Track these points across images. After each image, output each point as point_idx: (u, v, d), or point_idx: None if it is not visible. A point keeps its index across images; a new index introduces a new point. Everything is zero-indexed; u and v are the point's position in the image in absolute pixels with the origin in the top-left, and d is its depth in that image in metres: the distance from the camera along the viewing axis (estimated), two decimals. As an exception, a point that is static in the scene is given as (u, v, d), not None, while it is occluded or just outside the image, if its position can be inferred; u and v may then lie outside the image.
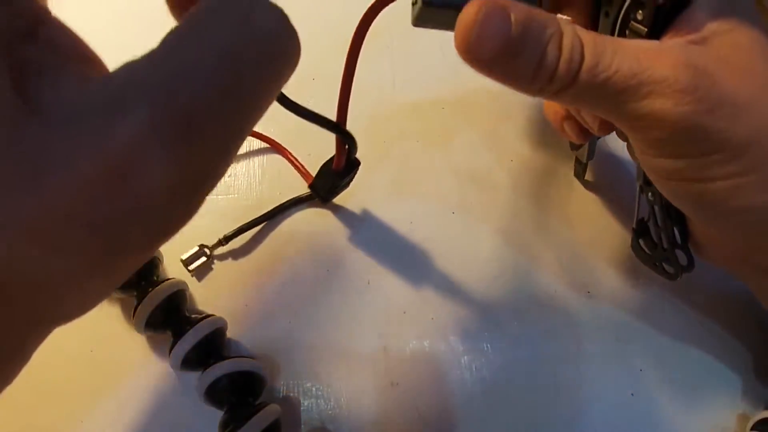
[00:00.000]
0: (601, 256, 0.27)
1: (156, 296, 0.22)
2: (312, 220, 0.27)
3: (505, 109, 0.30)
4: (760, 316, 0.27)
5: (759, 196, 0.19)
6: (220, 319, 0.23)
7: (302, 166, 0.27)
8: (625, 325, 0.26)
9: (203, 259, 0.25)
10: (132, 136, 0.10)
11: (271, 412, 0.21)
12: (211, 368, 0.21)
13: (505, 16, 0.17)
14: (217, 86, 0.11)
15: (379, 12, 0.19)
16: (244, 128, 0.12)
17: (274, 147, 0.28)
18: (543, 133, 0.30)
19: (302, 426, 0.23)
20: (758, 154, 0.18)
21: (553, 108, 0.25)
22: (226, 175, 0.28)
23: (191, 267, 0.25)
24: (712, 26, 0.18)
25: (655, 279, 0.27)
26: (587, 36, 0.18)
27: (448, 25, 0.18)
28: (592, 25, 0.21)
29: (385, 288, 0.26)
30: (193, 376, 0.22)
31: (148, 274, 0.24)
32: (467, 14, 0.17)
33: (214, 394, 0.21)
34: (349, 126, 0.22)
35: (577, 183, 0.29)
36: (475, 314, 0.26)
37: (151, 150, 0.10)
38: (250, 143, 0.29)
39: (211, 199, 0.27)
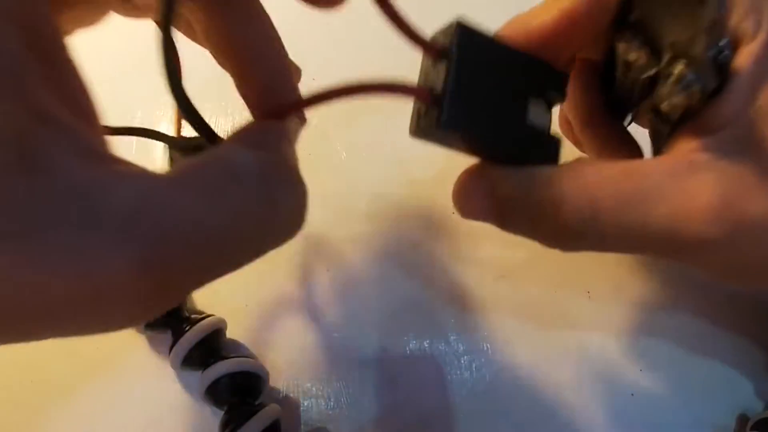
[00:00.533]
0: (602, 256, 0.27)
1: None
2: (312, 219, 0.27)
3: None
4: (760, 316, 0.27)
5: None
6: (221, 319, 0.23)
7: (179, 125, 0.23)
8: (625, 325, 0.26)
9: None
10: (112, 275, 0.09)
11: (271, 411, 0.21)
12: (211, 368, 0.21)
13: (485, 196, 0.17)
14: (215, 255, 0.11)
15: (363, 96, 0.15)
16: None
17: None
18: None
19: (302, 426, 0.23)
20: None
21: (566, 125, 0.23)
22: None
23: None
24: (749, 111, 0.16)
25: (656, 279, 0.27)
26: (604, 191, 0.16)
27: (454, 148, 0.17)
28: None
29: (385, 287, 0.26)
30: (194, 376, 0.22)
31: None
32: (454, 187, 0.17)
33: (214, 393, 0.21)
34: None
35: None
36: (475, 314, 0.26)
37: (122, 295, 0.10)
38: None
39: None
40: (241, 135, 0.14)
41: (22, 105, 0.09)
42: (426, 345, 0.25)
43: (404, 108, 0.17)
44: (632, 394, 0.25)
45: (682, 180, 0.16)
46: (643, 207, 0.15)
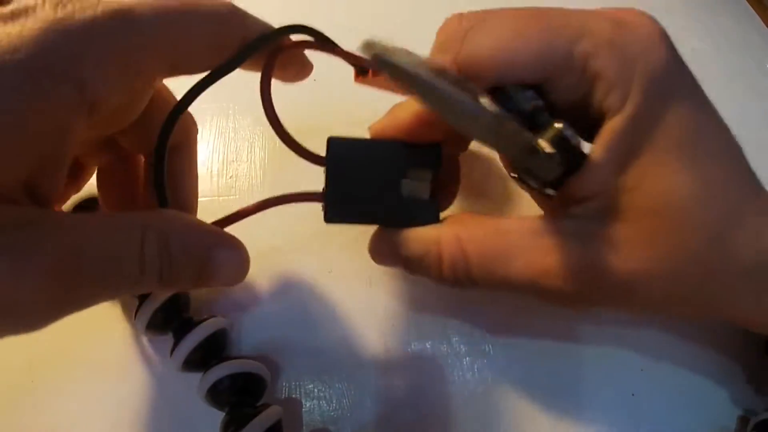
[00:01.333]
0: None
1: (157, 297, 0.22)
2: (312, 219, 0.27)
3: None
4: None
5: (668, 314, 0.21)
6: (222, 320, 0.23)
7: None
8: (625, 325, 0.26)
9: None
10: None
11: (272, 413, 0.21)
12: (212, 369, 0.21)
13: (388, 249, 0.20)
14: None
15: (272, 207, 0.21)
16: None
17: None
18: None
19: (304, 427, 0.23)
20: (650, 308, 0.20)
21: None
22: (228, 176, 0.28)
23: None
24: (619, 186, 0.17)
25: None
26: (475, 245, 0.19)
27: (362, 224, 0.21)
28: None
29: (386, 288, 0.26)
30: (195, 378, 0.22)
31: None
32: (369, 244, 0.21)
33: (215, 395, 0.21)
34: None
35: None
36: (476, 315, 0.26)
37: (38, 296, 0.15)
38: (252, 144, 0.29)
39: (212, 199, 0.27)
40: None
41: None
42: (428, 346, 0.25)
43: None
44: (632, 394, 0.25)
45: (543, 239, 0.18)
46: (505, 261, 0.18)
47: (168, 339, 0.23)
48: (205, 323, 0.22)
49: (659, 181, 0.17)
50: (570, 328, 0.26)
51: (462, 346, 0.25)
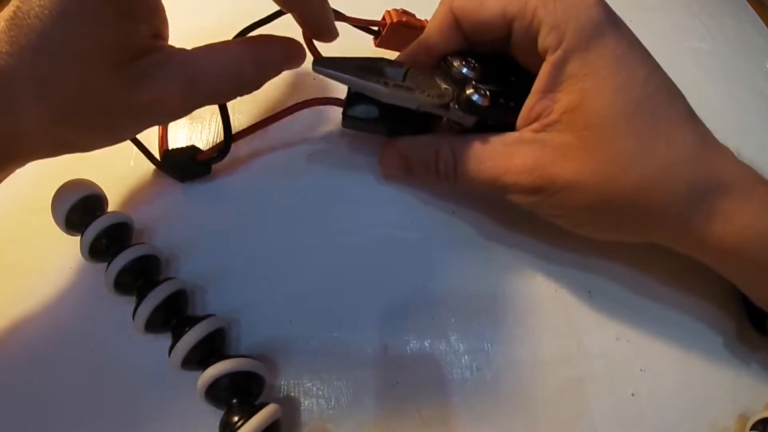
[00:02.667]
0: (602, 256, 0.27)
1: (156, 296, 0.22)
2: (312, 224, 0.27)
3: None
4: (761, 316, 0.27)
5: (616, 229, 0.24)
6: (221, 318, 0.23)
7: (164, 131, 0.28)
8: (625, 325, 0.26)
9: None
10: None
11: (271, 411, 0.21)
12: (211, 368, 0.21)
13: (396, 157, 0.27)
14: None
15: (301, 110, 0.26)
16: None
17: None
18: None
19: (303, 426, 0.23)
20: (599, 213, 0.23)
21: None
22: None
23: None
24: (563, 104, 0.22)
25: (655, 279, 0.27)
26: (460, 152, 0.25)
27: (370, 132, 0.27)
28: None
29: (385, 287, 0.26)
30: (194, 376, 0.22)
31: (148, 274, 0.24)
32: (379, 155, 0.28)
33: (214, 393, 0.21)
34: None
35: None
36: (476, 314, 0.26)
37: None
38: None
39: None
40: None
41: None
42: (427, 344, 0.25)
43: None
44: (632, 394, 0.25)
45: (509, 147, 0.24)
46: (480, 162, 0.24)
47: (167, 337, 0.23)
48: (203, 321, 0.22)
49: (594, 101, 0.22)
50: (570, 328, 0.26)
51: (461, 345, 0.25)
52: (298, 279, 0.26)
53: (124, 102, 0.20)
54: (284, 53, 0.24)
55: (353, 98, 0.25)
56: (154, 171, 0.28)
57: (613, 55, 0.22)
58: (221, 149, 0.26)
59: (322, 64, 0.23)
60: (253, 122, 0.26)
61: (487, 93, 0.24)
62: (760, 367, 0.26)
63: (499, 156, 0.24)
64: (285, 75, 0.26)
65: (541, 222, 0.28)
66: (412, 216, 0.28)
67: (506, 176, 0.23)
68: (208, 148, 0.27)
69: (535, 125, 0.23)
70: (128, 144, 0.28)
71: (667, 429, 0.24)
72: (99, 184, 0.25)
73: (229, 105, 0.26)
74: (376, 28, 0.29)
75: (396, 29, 0.28)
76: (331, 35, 0.25)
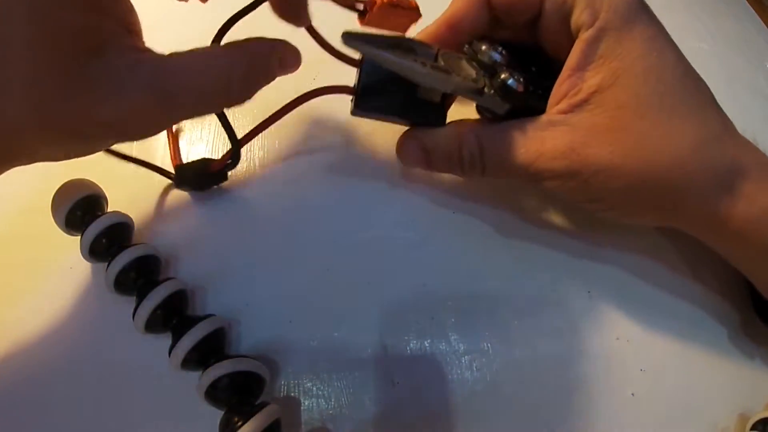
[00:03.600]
0: (602, 256, 0.27)
1: (156, 296, 0.22)
2: (313, 219, 0.27)
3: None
4: (761, 316, 0.27)
5: (645, 213, 0.24)
6: (221, 318, 0.23)
7: (176, 147, 0.28)
8: (625, 325, 0.26)
9: None
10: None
11: (271, 411, 0.21)
12: (211, 368, 0.21)
13: (417, 149, 0.25)
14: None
15: (308, 100, 0.24)
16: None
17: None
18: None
19: (303, 425, 0.23)
20: (633, 194, 0.23)
21: None
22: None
23: None
24: (592, 84, 0.22)
25: (656, 279, 0.27)
26: (487, 139, 0.24)
27: (382, 120, 0.25)
28: None
29: (385, 287, 0.26)
30: (194, 376, 0.22)
31: (148, 274, 0.24)
32: (396, 144, 0.25)
33: (214, 393, 0.21)
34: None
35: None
36: (475, 314, 0.26)
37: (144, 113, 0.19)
38: (251, 144, 0.29)
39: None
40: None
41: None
42: (426, 345, 0.25)
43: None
44: (632, 394, 0.25)
45: (539, 132, 0.23)
46: (510, 149, 0.23)
47: (167, 337, 0.23)
48: (203, 322, 0.22)
49: (627, 81, 0.22)
50: (570, 328, 0.26)
51: (461, 345, 0.25)
52: (298, 279, 0.26)
53: (84, 113, 0.17)
54: (277, 58, 0.22)
55: (365, 84, 0.24)
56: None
57: (645, 37, 0.22)
58: (233, 155, 0.26)
59: (354, 38, 0.21)
60: (258, 121, 0.25)
61: (521, 79, 0.23)
62: (760, 368, 0.26)
63: (529, 142, 0.23)
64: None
65: (541, 222, 0.28)
66: (412, 216, 0.28)
67: (538, 162, 0.23)
68: (220, 156, 0.26)
69: (563, 105, 0.23)
70: (128, 144, 0.28)
71: (667, 429, 0.24)
72: (99, 184, 0.25)
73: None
74: (361, 7, 0.26)
75: (384, 9, 0.26)
76: (302, 20, 0.23)
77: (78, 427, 0.22)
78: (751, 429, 0.23)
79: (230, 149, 0.25)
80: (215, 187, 0.27)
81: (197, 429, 0.23)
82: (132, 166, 0.28)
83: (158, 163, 0.27)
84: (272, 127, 0.29)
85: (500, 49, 0.24)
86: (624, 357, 0.25)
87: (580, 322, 0.26)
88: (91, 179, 0.25)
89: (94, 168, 0.25)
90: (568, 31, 0.23)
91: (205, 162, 0.26)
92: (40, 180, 0.25)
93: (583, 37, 0.22)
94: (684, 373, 0.25)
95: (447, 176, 0.29)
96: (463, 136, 0.24)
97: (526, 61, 0.25)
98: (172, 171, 0.27)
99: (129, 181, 0.27)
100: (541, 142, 0.23)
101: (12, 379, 0.23)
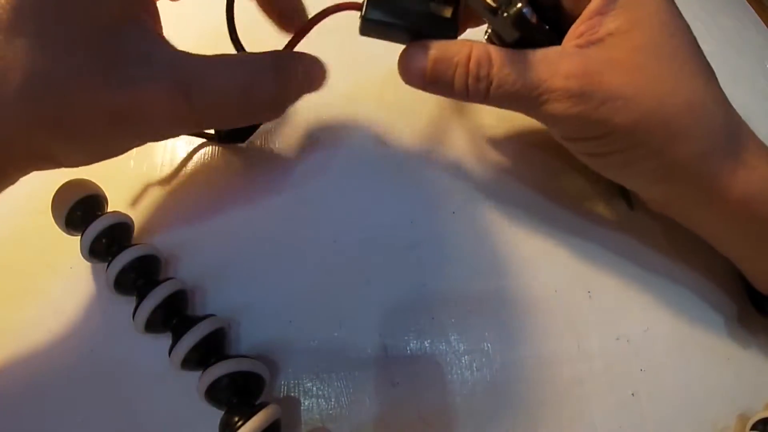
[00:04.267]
0: (602, 256, 0.27)
1: (156, 296, 0.22)
2: (313, 219, 0.27)
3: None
4: (761, 316, 0.27)
5: (646, 163, 0.23)
6: (221, 318, 0.23)
7: None
8: (625, 325, 0.26)
9: None
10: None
11: (271, 411, 0.21)
12: (211, 368, 0.21)
13: (423, 56, 0.23)
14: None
15: (321, 20, 0.24)
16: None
17: None
18: (543, 135, 0.30)
19: (303, 425, 0.23)
20: (641, 133, 0.22)
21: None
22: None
23: None
24: (610, 27, 0.22)
25: (656, 279, 0.27)
26: (497, 55, 0.23)
27: (390, 39, 0.23)
28: None
29: (385, 287, 0.26)
30: (194, 376, 0.22)
31: (148, 274, 0.24)
32: (400, 55, 0.23)
33: (214, 393, 0.21)
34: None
35: (578, 183, 0.29)
36: (475, 314, 0.26)
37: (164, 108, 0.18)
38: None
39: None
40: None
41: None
42: (426, 345, 0.25)
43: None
44: (632, 394, 0.25)
45: (555, 56, 0.22)
46: (522, 66, 0.22)
47: (167, 337, 0.23)
48: (203, 322, 0.22)
49: (644, 28, 0.22)
50: (570, 328, 0.26)
51: (461, 345, 0.25)
52: (298, 279, 0.26)
53: (99, 96, 0.16)
54: (303, 70, 0.22)
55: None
56: (154, 171, 0.28)
57: (665, 6, 0.23)
58: None
59: None
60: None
61: (535, 13, 0.23)
62: (760, 368, 0.26)
63: (543, 62, 0.22)
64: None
65: (541, 222, 0.28)
66: (412, 216, 0.28)
67: (551, 80, 0.22)
68: None
69: (580, 41, 0.23)
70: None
71: (667, 429, 0.24)
72: (99, 184, 0.25)
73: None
74: None
75: None
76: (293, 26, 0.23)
77: (78, 427, 0.22)
78: (751, 429, 0.23)
79: None
80: (249, 139, 0.28)
81: (197, 429, 0.23)
82: (132, 164, 0.28)
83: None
84: (272, 126, 0.29)
85: None
86: (624, 357, 0.25)
87: (580, 322, 0.26)
88: (91, 179, 0.25)
89: (94, 168, 0.25)
90: None
91: None
92: (40, 180, 0.25)
93: None
94: (684, 373, 0.25)
95: (447, 176, 0.29)
96: (475, 47, 0.23)
97: (543, 13, 0.24)
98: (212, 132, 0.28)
99: (129, 181, 0.27)
100: (555, 64, 0.22)
101: (12, 379, 0.23)
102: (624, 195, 0.28)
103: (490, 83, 0.23)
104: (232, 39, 0.24)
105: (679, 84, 0.22)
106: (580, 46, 0.23)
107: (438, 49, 0.23)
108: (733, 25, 0.39)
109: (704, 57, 0.24)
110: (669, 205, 0.25)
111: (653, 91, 0.22)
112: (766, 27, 0.39)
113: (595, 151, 0.24)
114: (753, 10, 0.40)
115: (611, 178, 0.25)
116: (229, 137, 0.28)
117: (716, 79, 0.24)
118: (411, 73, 0.23)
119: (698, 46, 0.24)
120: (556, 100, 0.22)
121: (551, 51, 0.23)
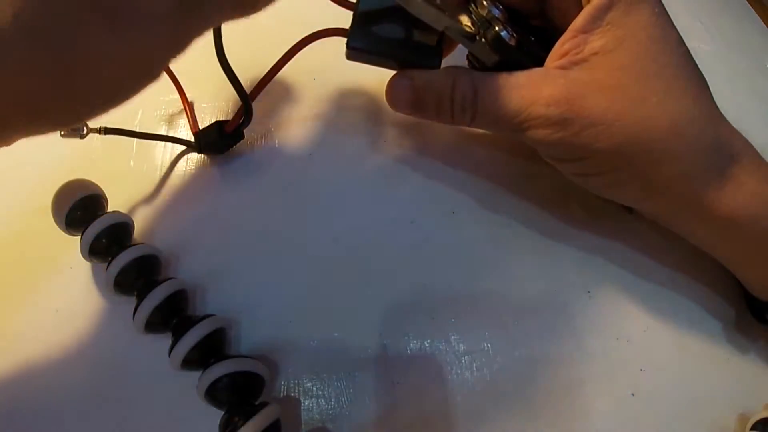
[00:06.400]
0: (602, 256, 0.27)
1: (156, 296, 0.22)
2: (313, 219, 0.27)
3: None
4: (753, 313, 0.27)
5: (630, 184, 0.23)
6: (221, 318, 0.23)
7: (193, 116, 0.28)
8: (625, 325, 0.26)
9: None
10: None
11: (271, 411, 0.21)
12: (211, 368, 0.21)
13: (407, 87, 0.24)
14: None
15: (307, 45, 0.24)
16: None
17: (179, 90, 0.28)
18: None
19: (303, 425, 0.23)
20: (623, 157, 0.22)
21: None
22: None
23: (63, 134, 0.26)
24: (595, 46, 0.22)
25: (656, 279, 0.27)
26: (480, 83, 0.23)
27: (376, 65, 0.24)
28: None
29: (385, 287, 0.26)
30: (194, 376, 0.22)
31: (148, 274, 0.24)
32: (387, 83, 0.24)
33: (214, 393, 0.21)
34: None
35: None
36: (475, 314, 0.26)
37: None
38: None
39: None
40: None
41: None
42: (426, 345, 0.25)
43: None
44: (632, 394, 0.25)
45: (536, 80, 0.23)
46: (505, 94, 0.23)
47: (167, 337, 0.23)
48: (203, 322, 0.22)
49: (630, 47, 0.22)
50: (570, 328, 0.26)
51: (461, 345, 0.25)
52: (298, 279, 0.26)
53: None
54: None
55: (360, 22, 0.24)
56: (154, 171, 0.28)
57: (652, 13, 0.22)
58: (245, 112, 0.26)
59: None
60: (264, 73, 0.25)
61: (515, 34, 0.23)
62: (761, 368, 0.26)
63: (525, 89, 0.23)
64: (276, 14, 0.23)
65: (541, 222, 0.28)
66: (412, 216, 0.28)
67: (532, 107, 0.22)
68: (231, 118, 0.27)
69: (564, 61, 0.23)
70: (128, 144, 0.28)
71: (667, 429, 0.24)
72: (99, 184, 0.25)
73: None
74: None
75: None
76: None
77: (78, 427, 0.22)
78: (751, 429, 0.23)
79: (241, 106, 0.26)
80: (234, 147, 0.28)
81: (197, 429, 0.23)
82: (132, 164, 0.28)
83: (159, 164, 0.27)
84: (272, 127, 0.29)
85: (501, 6, 0.24)
86: (624, 357, 0.25)
87: (580, 322, 0.26)
88: (91, 179, 0.25)
89: (94, 168, 0.25)
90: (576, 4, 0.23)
91: (220, 124, 0.27)
92: (40, 180, 0.25)
93: (594, 2, 0.22)
94: (684, 373, 0.25)
95: (447, 176, 0.29)
96: (458, 76, 0.24)
97: (527, 29, 0.25)
98: (192, 140, 0.28)
99: (129, 181, 0.27)
100: (537, 89, 0.22)
101: (12, 379, 0.23)
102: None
103: (475, 112, 0.24)
104: (221, 62, 0.25)
105: (664, 105, 0.22)
106: (563, 67, 0.23)
107: (421, 79, 0.24)
108: (733, 25, 0.39)
109: (697, 69, 0.23)
110: (659, 217, 0.26)
111: (636, 115, 0.22)
112: (766, 27, 0.39)
113: (579, 171, 0.24)
114: (753, 10, 0.40)
115: (600, 195, 0.26)
116: (209, 148, 0.28)
117: (708, 92, 0.23)
118: (396, 102, 0.25)
119: (690, 59, 0.23)
120: (537, 127, 0.23)
121: (534, 74, 0.23)
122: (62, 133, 0.26)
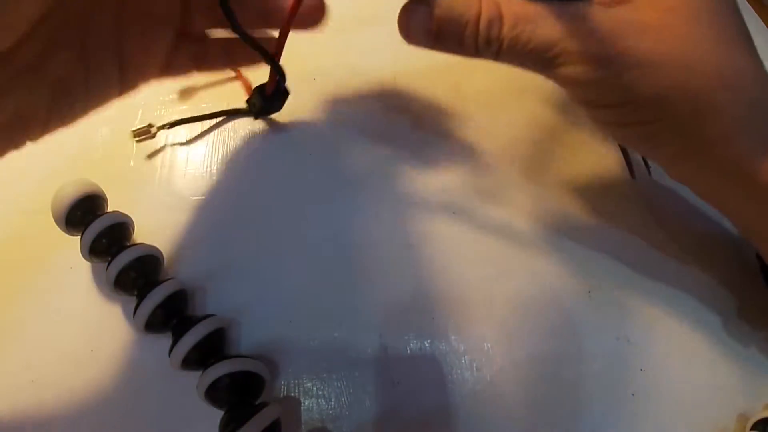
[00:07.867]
0: (602, 256, 0.27)
1: (156, 296, 0.22)
2: (313, 219, 0.27)
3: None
4: (761, 315, 0.27)
5: (668, 138, 0.21)
6: (221, 318, 0.23)
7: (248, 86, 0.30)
8: (625, 325, 0.26)
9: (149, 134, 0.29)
10: None
11: (271, 411, 0.21)
12: (211, 368, 0.21)
13: (427, 15, 0.21)
14: None
15: None
16: None
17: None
18: (544, 135, 0.30)
19: (303, 425, 0.23)
20: (666, 105, 0.20)
21: None
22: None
23: (138, 139, 0.28)
24: None
25: (656, 279, 0.27)
26: (508, 11, 0.21)
27: None
28: None
29: (385, 287, 0.26)
30: (194, 376, 0.22)
31: (148, 274, 0.24)
32: (399, 13, 0.21)
33: (214, 393, 0.21)
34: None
35: (579, 182, 0.29)
36: (476, 314, 0.26)
37: None
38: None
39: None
40: None
41: None
42: (427, 345, 0.25)
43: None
44: (632, 394, 0.25)
45: (575, 15, 0.20)
46: (534, 23, 0.20)
47: (167, 337, 0.23)
48: (203, 322, 0.22)
49: None
50: (570, 328, 0.26)
51: (461, 345, 0.25)
52: (298, 279, 0.26)
53: None
54: None
55: None
56: (154, 171, 0.28)
57: None
58: (276, 71, 0.26)
59: None
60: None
61: None
62: (760, 368, 0.26)
63: (560, 20, 0.20)
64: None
65: (541, 222, 0.28)
66: (411, 216, 0.28)
67: (568, 41, 0.20)
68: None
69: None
70: (128, 143, 0.28)
71: (667, 429, 0.24)
72: (99, 184, 0.25)
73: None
74: None
75: None
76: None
77: (78, 427, 0.22)
78: (751, 429, 0.23)
79: (270, 69, 0.26)
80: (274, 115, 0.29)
81: (197, 429, 0.23)
82: (132, 164, 0.28)
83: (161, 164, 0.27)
84: (271, 127, 0.29)
85: None
86: (624, 357, 0.25)
87: (580, 322, 0.26)
88: (91, 179, 0.25)
89: (94, 168, 0.25)
90: None
91: (260, 89, 0.28)
92: (40, 180, 0.25)
93: None
94: (684, 373, 0.25)
95: (447, 175, 0.29)
96: (484, 3, 0.21)
97: None
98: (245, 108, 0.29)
99: (129, 181, 0.27)
100: (575, 21, 0.20)
101: (11, 379, 0.23)
102: (627, 163, 0.28)
103: (501, 43, 0.21)
104: (236, 31, 0.23)
105: (713, 50, 0.20)
106: (605, 4, 0.20)
107: (443, 7, 0.21)
108: (733, 25, 0.39)
109: (746, 27, 0.21)
110: (691, 180, 0.24)
111: (682, 59, 0.20)
112: (766, 27, 0.39)
113: (614, 120, 0.22)
114: (753, 10, 0.40)
115: (632, 149, 0.24)
116: (263, 112, 0.29)
117: (756, 52, 0.21)
118: (413, 33, 0.22)
119: (740, 13, 0.21)
120: (573, 63, 0.20)
121: (572, 7, 0.20)
122: (137, 138, 0.28)
